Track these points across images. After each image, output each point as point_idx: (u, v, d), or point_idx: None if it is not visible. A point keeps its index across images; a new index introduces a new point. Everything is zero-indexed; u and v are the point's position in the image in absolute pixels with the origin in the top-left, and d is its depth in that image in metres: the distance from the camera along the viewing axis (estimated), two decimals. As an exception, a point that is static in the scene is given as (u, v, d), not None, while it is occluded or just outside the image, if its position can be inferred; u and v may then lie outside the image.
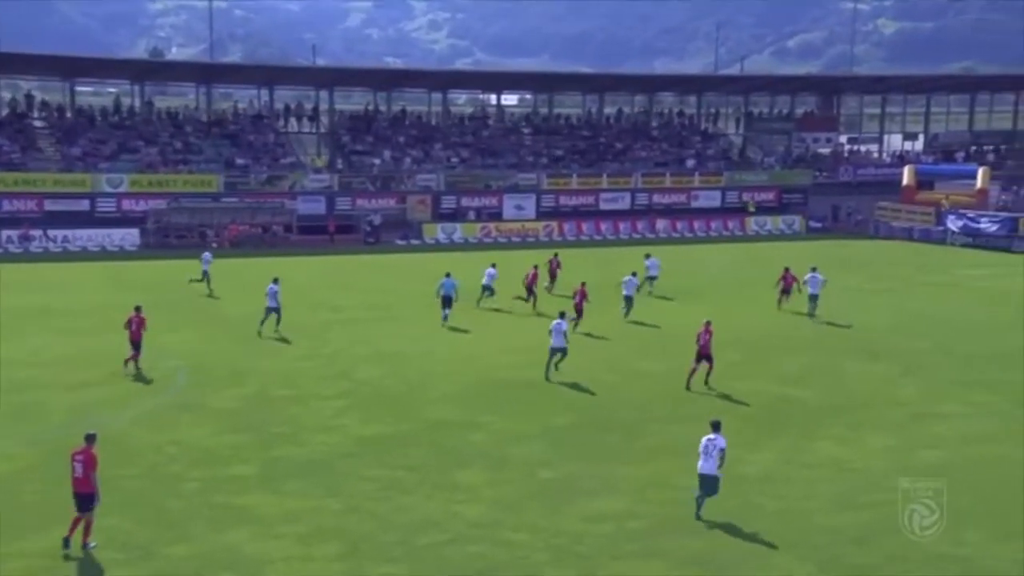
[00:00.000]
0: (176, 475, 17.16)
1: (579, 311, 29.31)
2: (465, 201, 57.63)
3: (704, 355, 23.18)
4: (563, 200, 59.51)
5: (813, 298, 31.43)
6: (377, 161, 58.77)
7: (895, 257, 45.18)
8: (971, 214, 53.78)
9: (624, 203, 60.28)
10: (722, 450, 15.62)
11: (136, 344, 23.97)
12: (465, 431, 19.78)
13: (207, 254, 37.80)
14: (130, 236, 50.37)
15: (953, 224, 53.80)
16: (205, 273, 36.31)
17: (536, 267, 34.22)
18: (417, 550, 14.33)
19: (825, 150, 70.05)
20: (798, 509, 15.71)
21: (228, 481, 16.89)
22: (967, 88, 75.13)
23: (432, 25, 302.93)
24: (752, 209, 60.94)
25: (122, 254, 47.31)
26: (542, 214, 58.46)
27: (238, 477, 17.09)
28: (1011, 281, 40.47)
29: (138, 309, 24.50)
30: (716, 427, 16.10)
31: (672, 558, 14.16)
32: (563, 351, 23.80)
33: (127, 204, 51.79)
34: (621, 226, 58.02)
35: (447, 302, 30.25)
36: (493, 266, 34.05)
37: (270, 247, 50.08)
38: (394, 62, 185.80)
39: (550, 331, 24.03)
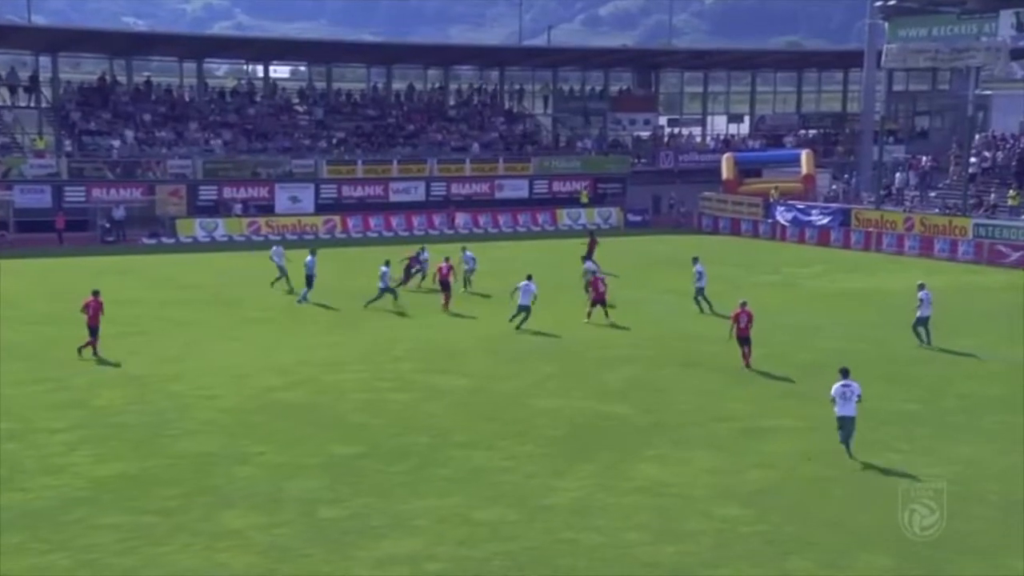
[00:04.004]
0: None
1: (604, 301, 32.31)
2: (228, 192, 56.44)
3: (743, 338, 26.38)
4: (347, 191, 59.22)
5: (700, 291, 34.14)
6: (116, 143, 56.72)
7: (722, 254, 47.24)
8: (801, 205, 56.98)
9: (418, 194, 60.54)
10: (859, 395, 19.96)
11: (93, 330, 27.25)
12: (230, 465, 19.40)
13: (277, 248, 38.99)
14: None
15: (783, 217, 56.86)
16: (282, 269, 37.54)
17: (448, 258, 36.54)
18: (171, 612, 13.93)
19: (644, 133, 72.57)
20: (617, 542, 16.19)
21: (-73, 540, 15.91)
22: (794, 65, 79.55)
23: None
24: (585, 200, 62.42)
25: None
26: (322, 207, 57.98)
27: (-60, 535, 16.12)
28: (845, 279, 43.14)
29: (96, 293, 27.61)
30: (846, 373, 20.34)
31: (475, 604, 14.33)
32: (527, 310, 30.59)
33: None
34: (415, 220, 58.23)
35: (309, 281, 35.00)
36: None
37: (-21, 248, 47.49)
38: (135, 23, 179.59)
39: (516, 289, 30.99)
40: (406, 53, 73.16)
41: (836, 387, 20.23)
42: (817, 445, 20.97)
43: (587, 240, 43.00)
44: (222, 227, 54.47)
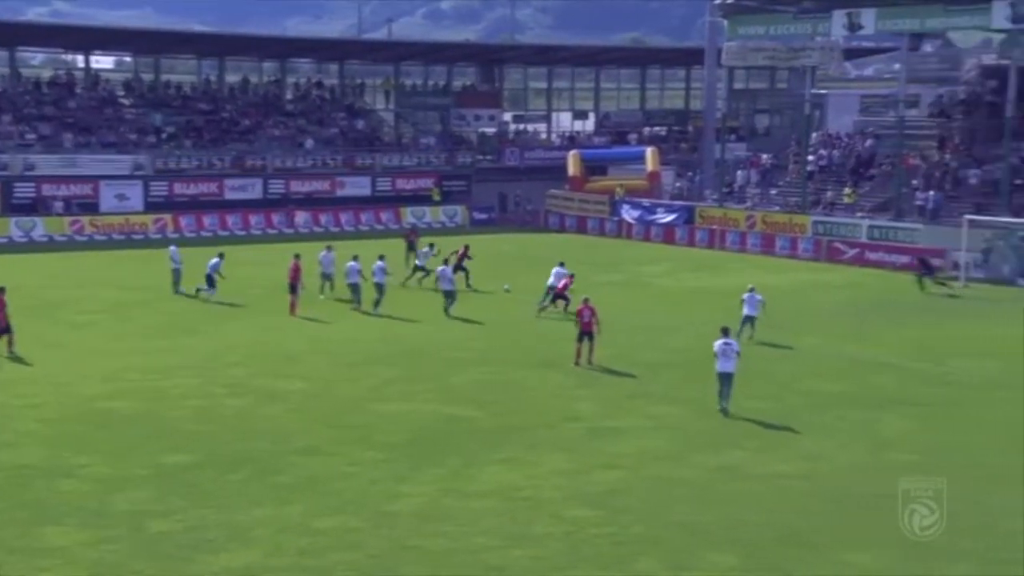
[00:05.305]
0: None
1: (565, 296, 33.25)
2: (48, 189, 54.47)
3: (587, 332, 26.93)
4: (178, 188, 57.83)
5: (552, 288, 34.36)
6: (-80, 137, 54.23)
7: (569, 252, 47.63)
8: (646, 203, 58.11)
9: (255, 192, 59.54)
10: (738, 352, 22.84)
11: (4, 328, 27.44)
12: (52, 478, 18.74)
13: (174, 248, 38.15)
14: None
15: (628, 215, 57.87)
16: (177, 272, 37.01)
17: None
18: (-12, 638, 13.38)
19: (488, 130, 72.93)
20: (464, 548, 16.21)
21: None
22: (637, 61, 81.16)
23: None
24: (437, 197, 62.42)
25: None
26: (152, 205, 56.52)
27: None
28: (691, 277, 44.14)
29: (1, 290, 27.66)
30: (726, 332, 23.17)
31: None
32: (452, 294, 33.34)
33: None
34: (252, 219, 57.35)
35: (209, 281, 35.33)
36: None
37: None
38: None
39: (437, 277, 33.74)
40: (240, 45, 71.70)
41: (717, 344, 23.02)
42: (662, 445, 21.42)
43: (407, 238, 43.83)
44: (41, 226, 52.55)
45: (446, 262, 35.36)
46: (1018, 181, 48.04)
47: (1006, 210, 45.63)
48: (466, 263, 38.60)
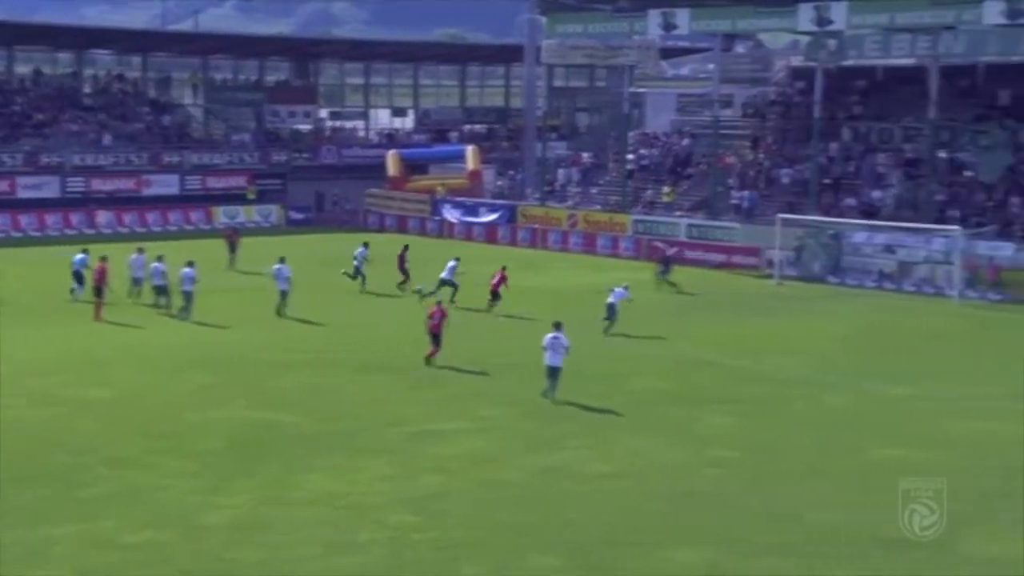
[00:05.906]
0: None
1: (496, 294, 35.21)
2: None
3: (434, 334, 27.34)
4: (-36, 187, 55.45)
5: (444, 282, 36.40)
6: None
7: (390, 252, 47.58)
8: (468, 202, 58.39)
9: (52, 190, 57.45)
10: (567, 347, 23.73)
11: None
12: None
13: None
14: None
15: (450, 214, 58.02)
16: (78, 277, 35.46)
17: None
18: None
19: (304, 127, 72.07)
20: (284, 558, 15.99)
21: None
22: (457, 58, 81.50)
23: None
24: (252, 196, 61.40)
25: None
26: (-67, 205, 54.04)
27: None
28: (516, 277, 44.16)
29: None
30: (558, 326, 24.03)
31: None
32: (285, 293, 33.25)
33: None
34: (49, 219, 55.44)
35: (78, 278, 34.82)
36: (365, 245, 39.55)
37: None
38: None
39: (274, 276, 33.52)
40: (31, 33, 68.75)
41: (547, 338, 24.02)
42: (488, 447, 21.56)
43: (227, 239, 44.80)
44: None
45: (282, 260, 34.36)
46: (826, 181, 50.12)
47: (815, 209, 47.50)
48: (407, 265, 39.54)
